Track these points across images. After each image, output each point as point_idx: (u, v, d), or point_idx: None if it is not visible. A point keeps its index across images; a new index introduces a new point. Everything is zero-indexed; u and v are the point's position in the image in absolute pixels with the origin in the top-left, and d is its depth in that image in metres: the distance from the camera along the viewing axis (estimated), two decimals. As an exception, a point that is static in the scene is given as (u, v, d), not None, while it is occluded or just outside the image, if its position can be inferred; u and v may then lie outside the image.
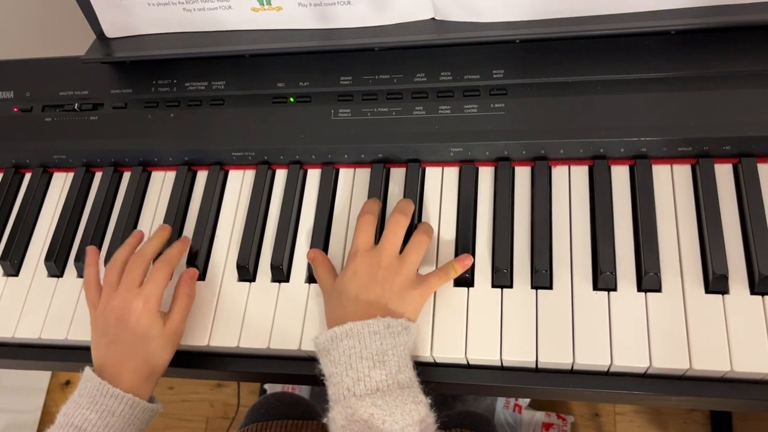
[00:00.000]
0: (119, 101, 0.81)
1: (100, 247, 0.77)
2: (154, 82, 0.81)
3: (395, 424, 0.55)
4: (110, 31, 0.81)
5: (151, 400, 0.66)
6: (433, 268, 0.68)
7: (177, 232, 0.76)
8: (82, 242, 0.77)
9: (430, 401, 0.59)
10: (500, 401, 1.35)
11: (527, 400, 1.36)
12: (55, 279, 0.76)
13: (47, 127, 0.81)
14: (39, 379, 1.66)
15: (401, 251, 0.66)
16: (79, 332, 0.72)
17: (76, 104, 0.82)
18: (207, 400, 1.58)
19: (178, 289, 0.69)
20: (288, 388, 1.40)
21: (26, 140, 0.82)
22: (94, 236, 0.77)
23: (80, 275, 0.76)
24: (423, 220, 0.71)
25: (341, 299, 0.64)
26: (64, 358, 0.74)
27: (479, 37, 0.71)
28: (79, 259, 0.75)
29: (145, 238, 0.74)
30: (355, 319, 0.61)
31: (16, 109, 0.83)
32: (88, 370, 0.64)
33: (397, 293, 0.63)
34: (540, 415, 1.35)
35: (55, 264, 0.76)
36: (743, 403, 0.62)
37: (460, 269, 0.66)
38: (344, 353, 0.59)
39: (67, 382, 1.66)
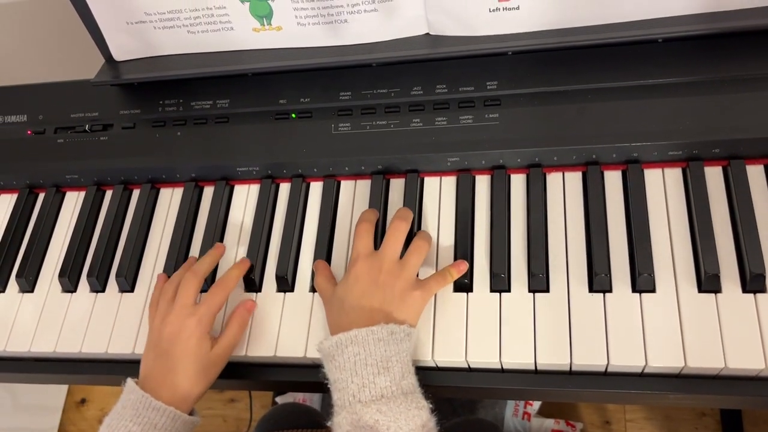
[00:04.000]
0: (128, 121, 0.84)
1: (111, 263, 0.80)
2: (161, 102, 0.84)
3: (399, 430, 0.56)
4: (118, 55, 0.84)
5: (191, 413, 0.67)
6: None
7: (185, 246, 0.79)
8: (94, 258, 0.79)
9: (431, 406, 0.60)
10: (509, 409, 1.35)
11: (536, 408, 1.36)
12: (69, 294, 0.79)
13: (60, 148, 0.84)
14: (55, 397, 1.67)
15: (401, 257, 0.67)
16: (92, 345, 0.75)
17: (87, 125, 0.84)
18: (220, 415, 1.60)
19: (233, 317, 0.70)
20: (300, 399, 1.41)
21: (40, 161, 0.85)
22: (106, 252, 0.79)
23: (93, 290, 0.78)
24: (422, 228, 0.73)
25: (343, 304, 0.65)
26: (79, 371, 0.76)
27: (472, 51, 0.74)
28: (92, 274, 0.78)
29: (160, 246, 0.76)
30: (359, 325, 0.62)
31: (29, 132, 0.86)
32: (130, 381, 0.65)
33: (398, 297, 0.64)
34: (549, 423, 1.35)
35: (69, 279, 0.78)
36: (738, 399, 0.63)
37: (456, 274, 0.67)
38: (349, 359, 0.60)
39: (83, 401, 1.68)
